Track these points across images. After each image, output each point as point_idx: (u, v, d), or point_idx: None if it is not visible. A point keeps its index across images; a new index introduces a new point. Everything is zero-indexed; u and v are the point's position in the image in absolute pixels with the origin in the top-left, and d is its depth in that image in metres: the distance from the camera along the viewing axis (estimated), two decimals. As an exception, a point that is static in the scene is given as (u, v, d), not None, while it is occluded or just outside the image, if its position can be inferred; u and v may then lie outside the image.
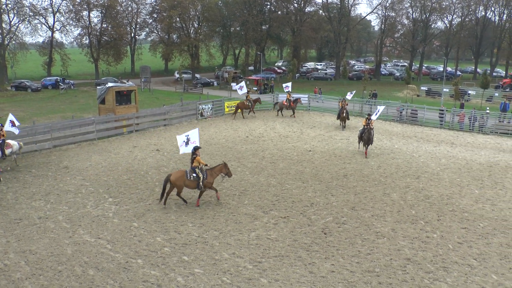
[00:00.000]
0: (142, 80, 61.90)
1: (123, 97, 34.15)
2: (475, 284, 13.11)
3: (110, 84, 35.70)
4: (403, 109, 40.16)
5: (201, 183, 18.25)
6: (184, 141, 19.23)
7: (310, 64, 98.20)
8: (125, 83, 46.82)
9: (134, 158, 25.75)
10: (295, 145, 29.26)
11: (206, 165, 18.76)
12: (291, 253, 14.61)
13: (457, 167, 25.16)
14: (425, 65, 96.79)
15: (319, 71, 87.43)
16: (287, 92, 41.47)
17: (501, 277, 13.53)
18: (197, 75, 75.56)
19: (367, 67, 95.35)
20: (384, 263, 14.11)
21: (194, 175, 18.21)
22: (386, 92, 60.34)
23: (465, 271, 13.83)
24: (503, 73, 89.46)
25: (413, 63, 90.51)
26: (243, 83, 42.00)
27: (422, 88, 62.71)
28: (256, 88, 58.75)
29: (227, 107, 41.41)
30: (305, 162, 25.37)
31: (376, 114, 28.39)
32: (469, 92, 57.66)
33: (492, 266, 14.14)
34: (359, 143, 28.08)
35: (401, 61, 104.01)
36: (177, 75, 71.82)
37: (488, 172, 24.36)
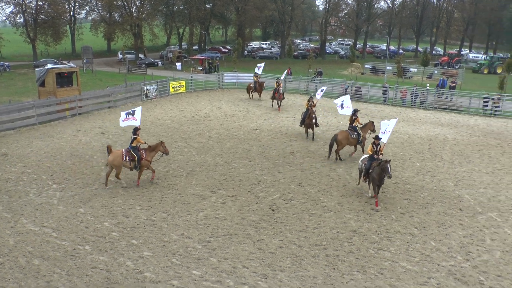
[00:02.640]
0: (84, 61, 59.60)
1: (64, 79, 32.75)
2: (416, 251, 13.66)
3: (49, 66, 34.07)
4: (348, 87, 40.89)
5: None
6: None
7: (255, 43, 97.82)
8: (66, 64, 44.95)
9: (78, 142, 24.88)
10: (242, 124, 29.23)
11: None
12: (239, 231, 14.64)
13: (400, 142, 25.97)
14: (369, 44, 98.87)
15: (264, 50, 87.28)
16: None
17: (439, 243, 14.18)
18: (141, 55, 73.67)
19: (312, 46, 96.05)
20: (331, 236, 14.41)
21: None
22: (331, 70, 61.15)
23: (407, 239, 14.37)
24: (441, 51, 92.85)
25: (357, 42, 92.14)
26: (262, 64, 41.20)
27: (366, 66, 63.98)
28: (201, 68, 57.97)
29: (172, 87, 40.72)
30: (252, 140, 25.41)
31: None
32: (411, 69, 59.63)
33: (431, 234, 14.77)
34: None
35: (346, 40, 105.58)
36: (120, 56, 69.69)
37: (428, 145, 25.29)
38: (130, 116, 19.45)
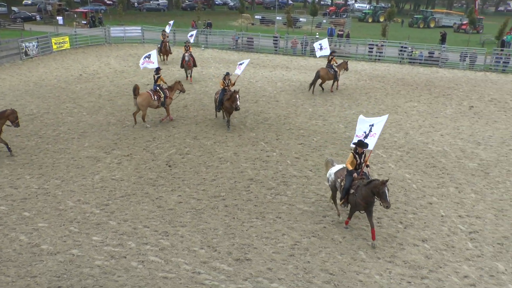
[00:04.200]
0: None
1: None
2: (311, 192, 14.16)
3: None
4: (239, 38, 40.63)
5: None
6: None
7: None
8: None
9: None
10: (133, 80, 27.92)
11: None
12: (137, 190, 14.13)
13: (292, 89, 26.47)
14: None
15: (151, 2, 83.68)
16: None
17: (333, 183, 14.79)
18: (15, 8, 66.92)
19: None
20: (229, 187, 14.42)
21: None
22: (221, 22, 60.33)
23: (303, 182, 14.82)
24: (329, 1, 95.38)
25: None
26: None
27: (256, 17, 63.95)
28: (85, 22, 54.21)
29: (55, 43, 37.67)
30: (145, 96, 24.41)
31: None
32: (300, 19, 60.64)
33: (325, 175, 15.31)
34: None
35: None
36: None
37: (319, 91, 26.04)
38: (147, 59, 21.26)
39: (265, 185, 14.59)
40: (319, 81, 25.64)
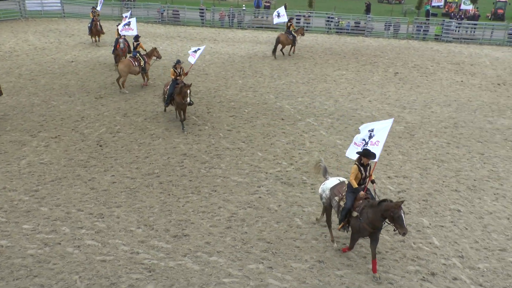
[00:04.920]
0: None
1: None
2: (245, 164, 14.36)
3: None
4: (164, 10, 39.61)
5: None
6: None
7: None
8: None
9: None
10: (55, 57, 26.65)
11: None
12: (68, 173, 13.67)
13: (221, 62, 26.35)
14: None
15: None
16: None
17: (265, 153, 15.13)
18: None
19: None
20: (162, 163, 14.32)
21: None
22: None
23: (236, 154, 14.98)
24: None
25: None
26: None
27: (181, -12, 62.50)
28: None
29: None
30: (69, 74, 23.40)
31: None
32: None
33: (257, 145, 15.62)
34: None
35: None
36: None
37: (248, 63, 26.13)
38: (126, 26, 22.42)
39: (198, 159, 14.61)
40: (280, 46, 27.56)
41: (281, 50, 28.02)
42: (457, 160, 15.14)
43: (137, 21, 25.20)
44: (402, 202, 8.84)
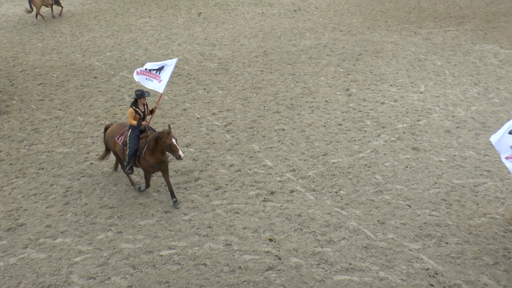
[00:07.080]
0: None
1: None
2: (67, 132, 13.51)
3: None
4: None
5: None
6: None
7: None
8: None
9: None
10: None
11: None
12: None
13: (12, 26, 23.60)
14: None
15: None
16: None
17: (85, 116, 14.40)
18: None
19: None
20: None
21: None
22: None
23: (55, 124, 13.98)
24: None
25: None
26: None
27: None
28: None
29: None
30: None
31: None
32: None
33: (76, 110, 14.74)
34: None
35: None
36: None
37: (44, 23, 23.82)
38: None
39: (14, 138, 13.31)
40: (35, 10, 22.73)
41: (37, 13, 22.93)
42: (272, 84, 16.21)
43: None
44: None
